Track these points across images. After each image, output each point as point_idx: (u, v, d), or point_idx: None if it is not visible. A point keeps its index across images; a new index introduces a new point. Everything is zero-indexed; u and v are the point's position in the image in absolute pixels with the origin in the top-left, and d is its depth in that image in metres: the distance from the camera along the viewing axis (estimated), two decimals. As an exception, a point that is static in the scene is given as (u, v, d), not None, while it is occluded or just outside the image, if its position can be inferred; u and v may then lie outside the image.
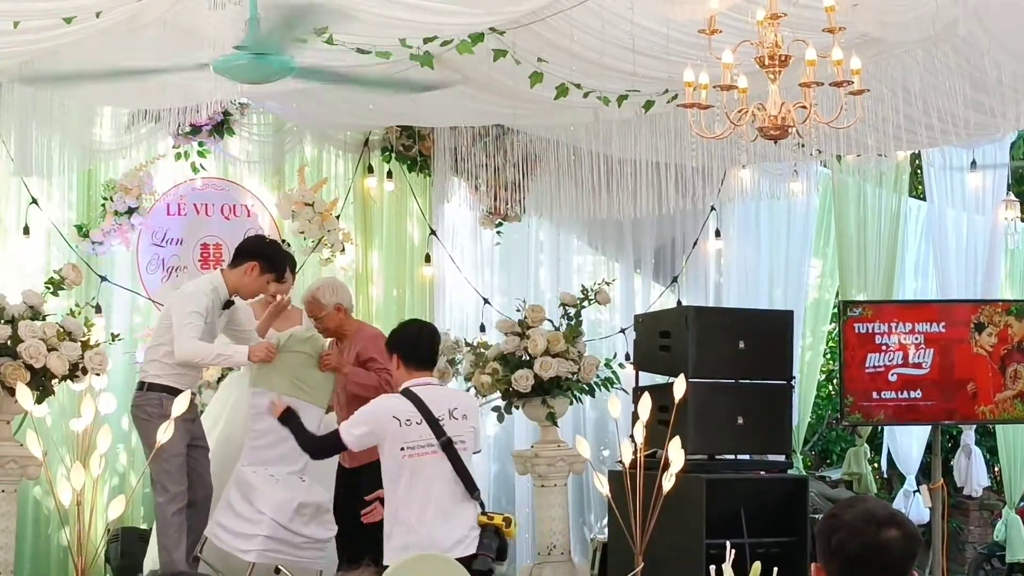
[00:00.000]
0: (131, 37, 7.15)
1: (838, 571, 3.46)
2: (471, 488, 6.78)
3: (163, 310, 8.27)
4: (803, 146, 6.59)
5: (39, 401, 7.51)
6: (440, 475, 6.72)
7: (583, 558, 10.43)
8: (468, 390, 9.48)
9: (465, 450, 6.81)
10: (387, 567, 6.59)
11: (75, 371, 7.84)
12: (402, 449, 6.68)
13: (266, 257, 8.09)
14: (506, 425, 10.04)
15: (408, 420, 6.68)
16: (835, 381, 12.97)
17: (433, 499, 6.70)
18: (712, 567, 5.75)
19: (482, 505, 6.88)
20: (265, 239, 8.67)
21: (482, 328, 10.68)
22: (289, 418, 7.04)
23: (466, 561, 6.64)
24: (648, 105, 8.21)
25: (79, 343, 7.87)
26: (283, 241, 9.03)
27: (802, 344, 11.44)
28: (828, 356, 12.89)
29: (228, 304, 8.07)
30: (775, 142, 6.01)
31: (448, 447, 6.71)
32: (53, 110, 9.18)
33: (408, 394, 6.78)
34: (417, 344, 6.98)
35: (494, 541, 6.79)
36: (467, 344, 9.54)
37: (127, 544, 8.92)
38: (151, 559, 8.51)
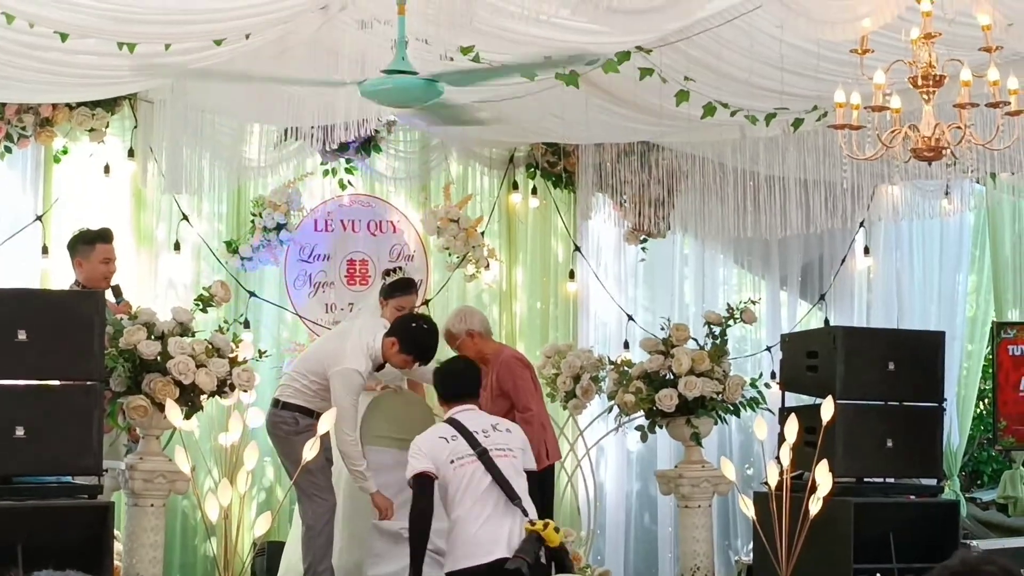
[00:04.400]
0: (279, 59, 7.23)
1: None
2: (511, 495, 7.11)
3: (321, 354, 8.27)
4: (955, 165, 6.44)
5: (188, 417, 7.61)
6: (482, 483, 7.15)
7: (728, 580, 10.32)
8: (611, 409, 9.44)
9: (505, 457, 7.22)
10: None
11: (223, 387, 7.93)
12: (452, 462, 7.17)
13: (403, 339, 8.11)
14: (649, 444, 9.95)
15: (454, 436, 7.23)
16: (986, 401, 12.69)
17: (478, 506, 7.13)
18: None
19: (525, 512, 7.13)
20: (411, 319, 8.45)
21: (626, 345, 10.61)
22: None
23: (503, 563, 6.97)
24: (797, 123, 8.10)
25: (227, 359, 7.96)
26: (416, 317, 8.90)
27: (961, 363, 11.20)
28: (980, 375, 12.62)
29: (380, 367, 8.27)
30: (928, 163, 5.88)
31: (484, 456, 7.16)
32: (204, 128, 9.32)
33: (449, 420, 7.38)
34: (452, 381, 7.58)
35: (534, 546, 7.03)
36: (611, 362, 9.49)
37: (273, 558, 9.00)
38: (284, 570, 8.60)
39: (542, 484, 8.20)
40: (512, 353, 8.87)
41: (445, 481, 7.20)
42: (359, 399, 8.22)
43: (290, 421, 8.13)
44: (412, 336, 8.16)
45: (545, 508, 7.74)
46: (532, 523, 7.06)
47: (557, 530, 7.08)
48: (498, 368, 8.54)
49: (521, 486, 7.21)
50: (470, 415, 7.40)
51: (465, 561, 7.12)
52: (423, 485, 7.22)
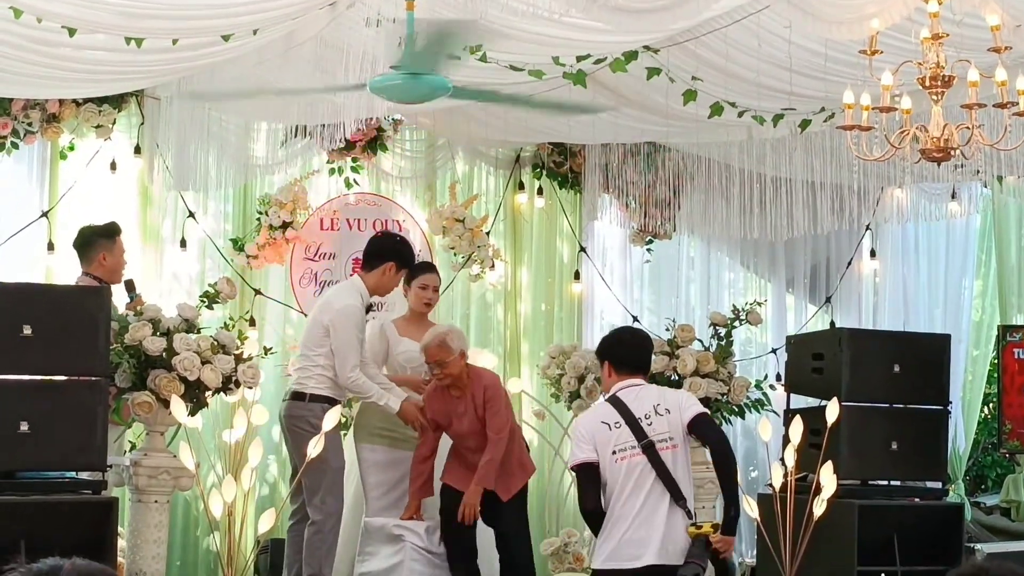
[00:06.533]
0: (287, 55, 7.23)
1: None
2: (676, 495, 6.73)
3: (315, 320, 8.25)
4: (964, 167, 6.45)
5: (192, 413, 7.60)
6: (645, 479, 6.72)
7: (731, 581, 10.29)
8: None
9: (668, 449, 6.77)
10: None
11: (228, 384, 7.92)
12: (613, 453, 6.75)
13: (401, 256, 8.28)
14: (654, 445, 9.92)
15: (617, 423, 6.76)
16: (991, 405, 12.67)
17: (640, 504, 6.71)
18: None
19: (689, 515, 6.79)
20: (396, 237, 8.79)
21: (631, 346, 10.58)
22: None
23: (669, 571, 6.64)
24: (804, 124, 8.09)
25: (232, 356, 7.95)
26: (397, 234, 9.14)
27: (966, 367, 11.19)
28: (985, 380, 12.61)
29: (369, 308, 8.27)
30: (937, 164, 5.87)
31: (649, 449, 6.71)
32: (211, 126, 9.33)
33: (613, 400, 6.88)
34: (622, 348, 7.06)
35: (705, 551, 6.72)
36: (616, 362, 9.45)
37: (277, 555, 8.99)
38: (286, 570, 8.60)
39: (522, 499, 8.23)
40: (493, 376, 8.68)
41: (603, 473, 6.79)
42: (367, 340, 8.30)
43: (319, 414, 7.54)
44: (401, 250, 8.33)
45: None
46: (698, 527, 6.70)
47: (717, 529, 6.73)
48: (486, 390, 8.31)
49: (686, 484, 6.85)
50: (635, 393, 6.89)
51: (612, 562, 6.75)
52: (588, 475, 6.82)
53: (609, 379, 7.02)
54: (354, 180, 10.24)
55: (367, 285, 8.19)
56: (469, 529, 7.97)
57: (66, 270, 8.97)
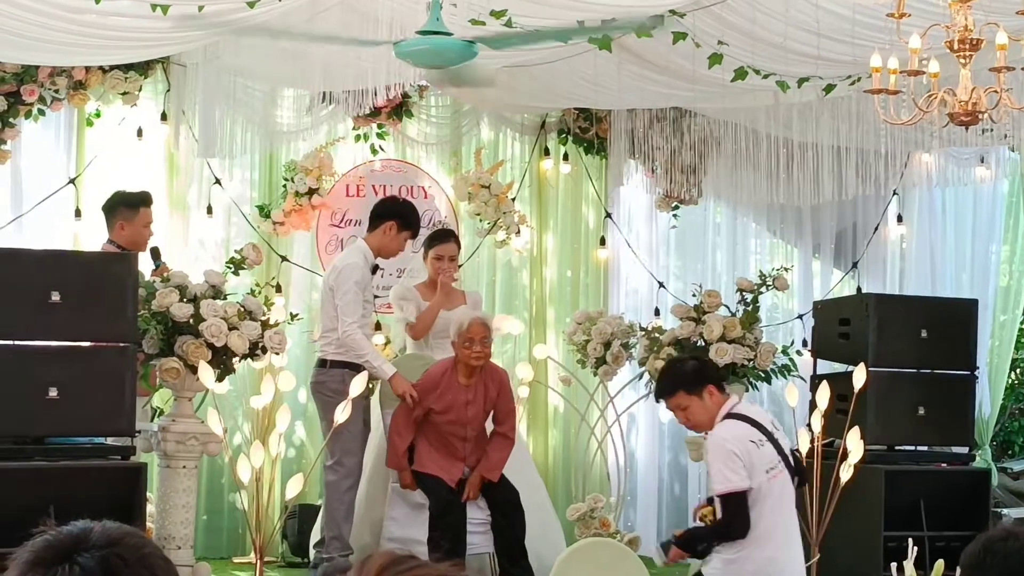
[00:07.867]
0: (312, 22, 7.21)
1: None
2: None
3: (326, 287, 8.44)
4: (992, 131, 6.41)
5: (220, 379, 7.62)
6: (786, 496, 6.43)
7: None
8: (641, 376, 9.42)
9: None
10: None
11: (255, 350, 7.94)
12: (767, 472, 6.33)
13: (401, 215, 8.43)
14: (680, 412, 9.92)
15: (760, 440, 6.33)
16: (1018, 370, 12.64)
17: (784, 523, 6.41)
18: (892, 564, 5.63)
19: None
20: (398, 199, 9.01)
21: (656, 312, 10.59)
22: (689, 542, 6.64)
23: None
24: (829, 88, 8.04)
25: (259, 322, 7.96)
26: (400, 198, 9.27)
27: (993, 333, 11.15)
28: (1013, 345, 12.55)
29: (375, 269, 8.42)
30: (965, 128, 5.84)
31: (790, 465, 6.43)
32: (237, 92, 9.34)
33: (740, 417, 6.44)
34: (714, 369, 6.92)
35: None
36: (641, 329, 9.47)
37: (304, 521, 9.03)
38: (315, 534, 8.65)
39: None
40: (505, 372, 8.68)
41: (756, 494, 6.30)
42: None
43: (337, 379, 7.99)
44: (405, 212, 8.47)
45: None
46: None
47: None
48: (500, 384, 8.28)
49: None
50: (747, 408, 6.62)
51: None
52: (744, 502, 6.30)
53: (716, 403, 6.47)
54: (380, 146, 10.24)
55: (371, 246, 8.41)
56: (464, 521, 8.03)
57: (93, 237, 8.99)
